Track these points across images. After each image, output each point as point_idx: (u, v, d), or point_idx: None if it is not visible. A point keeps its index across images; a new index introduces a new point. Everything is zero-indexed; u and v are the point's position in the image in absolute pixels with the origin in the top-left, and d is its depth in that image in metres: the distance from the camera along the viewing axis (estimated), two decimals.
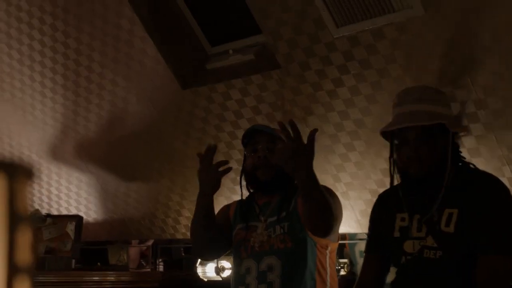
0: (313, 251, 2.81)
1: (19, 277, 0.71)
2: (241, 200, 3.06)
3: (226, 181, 4.45)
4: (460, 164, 2.48)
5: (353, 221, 4.20)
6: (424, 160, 2.35)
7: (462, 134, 2.53)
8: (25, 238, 0.73)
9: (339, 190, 4.12)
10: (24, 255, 0.71)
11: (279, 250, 2.81)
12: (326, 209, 2.55)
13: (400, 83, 3.48)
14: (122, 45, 4.35)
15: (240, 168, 3.09)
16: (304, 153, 2.48)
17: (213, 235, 2.95)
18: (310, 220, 2.63)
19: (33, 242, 0.74)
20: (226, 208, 3.15)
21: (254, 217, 2.97)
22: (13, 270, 0.69)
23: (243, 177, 3.03)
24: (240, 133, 4.14)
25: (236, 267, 2.98)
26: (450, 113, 2.49)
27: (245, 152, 3.00)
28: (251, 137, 2.95)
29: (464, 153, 3.47)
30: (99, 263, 6.44)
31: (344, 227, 4.21)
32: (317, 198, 2.53)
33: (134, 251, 6.44)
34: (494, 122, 3.41)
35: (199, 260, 4.74)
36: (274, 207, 2.92)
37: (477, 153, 3.52)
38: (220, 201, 4.34)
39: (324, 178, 4.10)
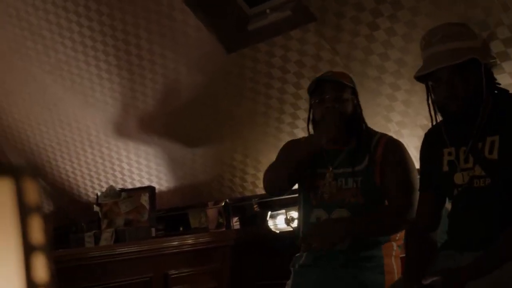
0: (383, 202, 2.94)
1: (35, 254, 0.87)
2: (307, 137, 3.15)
3: (281, 143, 4.60)
4: (496, 92, 2.53)
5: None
6: (460, 97, 2.41)
7: (493, 61, 2.55)
8: (36, 223, 0.89)
9: (391, 130, 4.20)
10: (38, 237, 0.88)
11: (350, 204, 2.91)
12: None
13: (433, 19, 3.52)
14: (165, 20, 4.49)
15: (306, 117, 3.18)
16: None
17: (291, 177, 3.07)
18: None
19: (45, 226, 0.90)
20: (294, 141, 3.28)
21: (322, 164, 3.05)
22: (28, 249, 0.86)
23: (310, 126, 3.11)
24: (288, 88, 4.28)
25: (305, 215, 3.07)
26: (477, 45, 2.50)
27: (311, 102, 3.06)
28: (318, 86, 3.02)
29: (506, 77, 3.53)
30: (181, 228, 6.69)
31: None
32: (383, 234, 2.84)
33: (211, 212, 6.64)
34: None
35: (269, 214, 4.89)
36: (344, 158, 3.00)
37: None
38: (282, 138, 4.52)
39: (376, 121, 4.19)
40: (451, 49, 2.42)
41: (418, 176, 2.79)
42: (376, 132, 3.09)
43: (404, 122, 4.14)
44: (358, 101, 3.08)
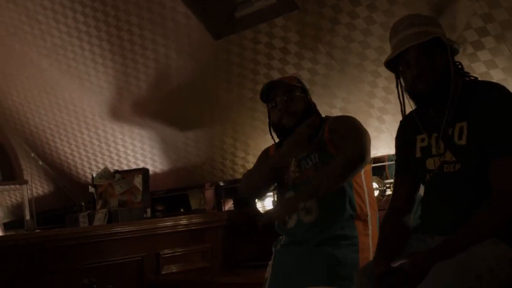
0: None
1: None
2: (275, 144, 3.29)
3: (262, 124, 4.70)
4: (466, 78, 2.57)
5: (391, 143, 4.32)
6: (427, 75, 2.46)
7: (458, 48, 2.60)
8: None
9: (373, 116, 4.30)
10: None
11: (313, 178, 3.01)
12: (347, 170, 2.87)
13: (409, 8, 3.62)
14: (155, 7, 4.59)
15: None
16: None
17: (268, 184, 3.25)
18: None
19: None
20: (267, 150, 3.41)
21: None
22: None
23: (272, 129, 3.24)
24: (274, 73, 4.38)
25: (278, 200, 3.28)
26: (443, 31, 2.57)
27: (268, 107, 3.20)
28: (268, 92, 3.15)
29: (481, 66, 3.61)
30: (182, 209, 6.77)
31: (384, 149, 4.40)
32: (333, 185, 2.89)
33: (208, 193, 6.72)
34: (505, 33, 3.51)
35: None
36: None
37: (493, 64, 3.63)
38: (268, 139, 4.58)
39: (359, 106, 4.29)
40: (417, 32, 2.48)
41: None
42: (328, 117, 3.23)
43: (386, 108, 4.23)
44: (309, 98, 3.19)
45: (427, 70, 2.47)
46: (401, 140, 2.77)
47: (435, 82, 2.47)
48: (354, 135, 2.96)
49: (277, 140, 3.25)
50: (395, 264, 2.41)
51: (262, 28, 4.28)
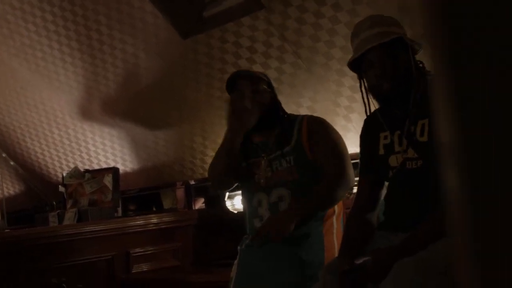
0: (319, 176, 3.01)
1: None
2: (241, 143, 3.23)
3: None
4: (428, 77, 2.59)
5: (358, 141, 4.40)
6: (391, 75, 2.50)
7: (419, 48, 2.63)
8: None
9: (340, 114, 4.34)
10: None
11: (287, 182, 3.03)
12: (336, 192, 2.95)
13: (374, 7, 3.66)
14: (123, 6, 4.60)
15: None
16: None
17: (233, 165, 3.19)
18: None
19: None
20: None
21: (255, 155, 3.19)
22: None
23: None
24: None
25: (248, 201, 3.21)
26: (404, 31, 2.62)
27: (231, 97, 3.20)
28: (234, 83, 3.17)
29: None
30: (154, 208, 6.77)
31: (351, 147, 4.42)
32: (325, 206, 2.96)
33: (179, 192, 6.72)
34: None
35: (227, 195, 5.00)
36: (273, 144, 3.12)
37: None
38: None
39: (326, 105, 4.32)
40: (378, 32, 2.52)
41: (348, 149, 2.93)
42: (297, 116, 3.19)
43: (352, 107, 4.27)
44: (274, 93, 3.18)
45: (389, 70, 2.51)
46: (365, 138, 2.81)
47: (397, 81, 2.51)
48: (336, 154, 3.02)
49: None
50: (359, 261, 2.44)
51: (229, 27, 4.31)
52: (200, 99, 4.87)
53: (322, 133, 3.09)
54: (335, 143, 3.05)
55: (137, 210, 6.61)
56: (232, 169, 3.19)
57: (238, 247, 3.23)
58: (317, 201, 2.96)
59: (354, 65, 2.66)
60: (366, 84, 2.65)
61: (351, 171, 2.97)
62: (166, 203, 6.84)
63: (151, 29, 4.64)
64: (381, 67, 2.52)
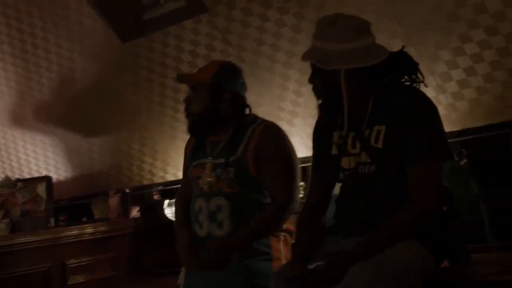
0: (260, 190, 2.91)
1: None
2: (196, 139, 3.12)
3: (178, 132, 4.63)
4: (386, 80, 2.53)
5: (301, 146, 4.37)
6: (322, 90, 2.46)
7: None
8: None
9: (284, 119, 4.30)
10: None
11: (226, 193, 2.90)
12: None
13: (321, 10, 3.64)
14: (59, 8, 4.47)
15: None
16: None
17: None
18: None
19: None
20: (187, 145, 3.20)
21: (202, 154, 3.05)
22: None
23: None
24: None
25: (192, 204, 3.06)
26: (342, 48, 2.45)
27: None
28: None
29: None
30: (84, 218, 6.62)
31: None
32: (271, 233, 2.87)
33: (113, 201, 6.59)
34: (412, 37, 3.58)
35: (166, 202, 4.93)
36: (222, 148, 2.99)
37: None
38: (178, 127, 4.56)
39: (269, 109, 4.28)
40: (318, 48, 2.43)
41: (300, 165, 2.86)
42: (256, 120, 3.06)
43: (296, 111, 4.24)
44: (234, 90, 3.07)
45: (320, 88, 2.48)
46: (318, 135, 2.73)
47: (327, 95, 2.47)
48: (285, 179, 2.86)
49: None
50: (311, 267, 2.39)
51: (171, 30, 4.23)
52: (139, 104, 4.77)
53: (272, 151, 2.90)
54: (285, 165, 2.89)
55: (67, 221, 6.46)
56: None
57: None
58: (263, 230, 2.88)
59: None
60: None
61: (297, 195, 2.89)
62: (97, 213, 6.72)
63: (89, 32, 4.52)
64: (315, 83, 2.49)
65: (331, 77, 2.43)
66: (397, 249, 2.27)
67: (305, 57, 2.47)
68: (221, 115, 2.97)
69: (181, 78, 3.09)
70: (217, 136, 3.01)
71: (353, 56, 2.48)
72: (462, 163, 3.88)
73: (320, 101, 2.51)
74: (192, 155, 3.09)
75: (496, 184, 3.83)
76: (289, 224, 3.05)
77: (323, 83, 2.46)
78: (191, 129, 2.99)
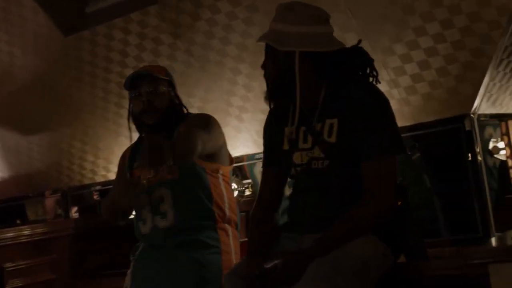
0: (203, 177, 2.90)
1: None
2: (132, 145, 3.08)
3: (122, 129, 4.52)
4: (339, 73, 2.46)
5: (250, 142, 4.33)
6: (275, 76, 2.38)
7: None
8: None
9: (232, 115, 4.24)
10: None
11: (167, 181, 2.88)
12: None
13: (273, 3, 3.57)
14: None
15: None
16: None
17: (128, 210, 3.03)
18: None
19: None
20: (122, 159, 3.16)
21: (140, 159, 2.99)
22: None
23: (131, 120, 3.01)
24: (128, 72, 4.18)
25: (135, 205, 3.01)
26: (299, 30, 2.39)
27: (130, 96, 2.96)
28: (133, 81, 2.93)
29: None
30: (18, 221, 6.40)
31: (242, 148, 4.35)
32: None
33: (49, 202, 6.41)
34: (367, 29, 3.56)
35: None
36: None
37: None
38: (122, 123, 4.45)
39: (217, 105, 4.21)
40: (277, 30, 2.36)
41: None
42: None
43: (245, 107, 4.18)
44: (175, 93, 3.04)
45: (274, 72, 2.38)
46: (269, 130, 2.67)
47: (280, 80, 2.38)
48: (188, 132, 2.82)
49: (133, 133, 3.01)
50: (268, 266, 2.33)
51: (116, 23, 4.11)
52: (82, 99, 4.64)
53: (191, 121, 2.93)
54: (199, 123, 2.89)
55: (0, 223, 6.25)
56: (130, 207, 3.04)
57: (130, 256, 3.04)
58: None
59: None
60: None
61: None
62: (31, 215, 6.52)
63: (30, 26, 4.37)
64: (268, 67, 2.40)
65: (286, 60, 2.36)
66: (357, 244, 2.23)
67: (261, 38, 2.39)
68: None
69: None
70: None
71: (310, 39, 2.42)
72: (414, 157, 3.87)
73: (270, 89, 2.42)
74: (129, 162, 3.04)
75: (448, 178, 3.83)
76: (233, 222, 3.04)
77: (276, 67, 2.37)
78: (156, 126, 2.90)
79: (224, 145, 2.95)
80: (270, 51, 2.39)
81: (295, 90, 2.38)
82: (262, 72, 2.58)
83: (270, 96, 2.47)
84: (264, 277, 2.26)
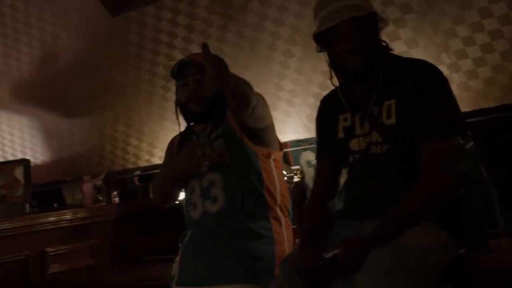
0: (255, 161, 2.86)
1: None
2: (181, 132, 3.08)
3: (167, 113, 4.44)
4: (391, 56, 2.47)
5: (300, 127, 4.22)
6: (360, 51, 2.35)
7: (385, 26, 2.50)
8: None
9: (283, 99, 4.13)
10: None
11: (218, 165, 2.86)
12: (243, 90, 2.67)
13: None
14: None
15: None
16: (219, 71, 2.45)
17: (178, 189, 3.07)
18: (231, 103, 2.72)
19: None
20: (171, 144, 3.20)
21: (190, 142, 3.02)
22: None
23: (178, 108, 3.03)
24: (176, 54, 4.11)
25: (185, 190, 3.05)
26: (372, 6, 2.46)
27: (176, 85, 2.99)
28: (180, 69, 2.93)
29: (402, 44, 3.52)
30: (56, 204, 6.40)
31: (292, 134, 4.24)
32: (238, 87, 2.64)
33: (87, 187, 6.39)
34: (428, 10, 3.43)
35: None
36: (208, 133, 2.97)
37: (415, 43, 3.54)
38: (168, 107, 4.36)
39: (267, 88, 4.09)
40: (349, 5, 2.36)
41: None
42: None
43: (296, 91, 4.06)
44: None
45: (360, 46, 2.36)
46: (322, 120, 2.68)
47: (366, 58, 2.37)
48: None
49: (181, 122, 3.04)
50: (328, 255, 2.23)
51: (165, 3, 4.00)
52: (127, 83, 4.54)
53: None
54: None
55: (38, 207, 6.24)
56: (179, 187, 3.09)
57: (179, 243, 3.02)
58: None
59: (317, 38, 2.47)
60: (329, 59, 2.48)
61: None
62: (68, 199, 6.53)
63: (75, 5, 4.28)
64: (352, 42, 2.36)
65: (371, 32, 2.40)
66: (418, 233, 2.17)
67: (334, 19, 2.36)
68: None
69: None
70: (201, 125, 3.04)
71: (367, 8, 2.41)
72: (468, 146, 3.74)
73: (354, 70, 2.38)
74: (178, 149, 3.06)
75: (506, 167, 3.72)
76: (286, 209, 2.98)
77: (364, 40, 2.37)
78: (202, 114, 3.00)
79: (273, 127, 2.92)
80: (349, 29, 2.35)
81: (377, 66, 2.36)
82: (314, 53, 2.52)
83: (351, 77, 2.43)
84: (321, 267, 2.20)
